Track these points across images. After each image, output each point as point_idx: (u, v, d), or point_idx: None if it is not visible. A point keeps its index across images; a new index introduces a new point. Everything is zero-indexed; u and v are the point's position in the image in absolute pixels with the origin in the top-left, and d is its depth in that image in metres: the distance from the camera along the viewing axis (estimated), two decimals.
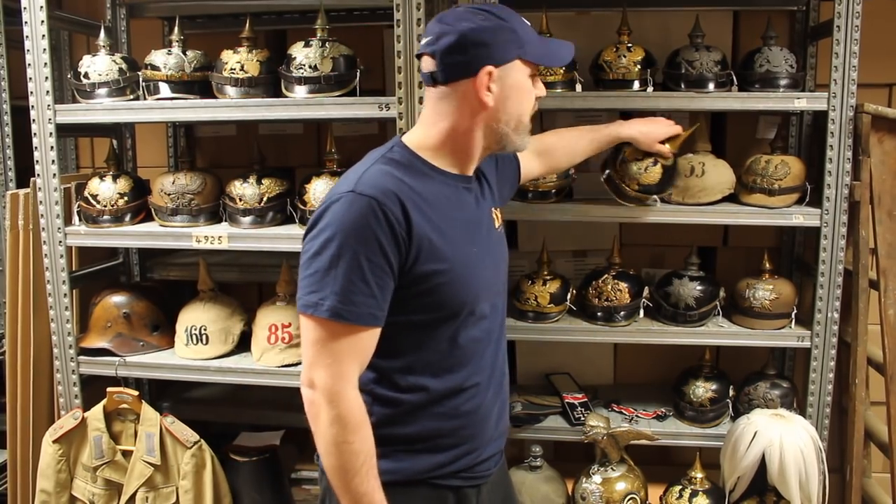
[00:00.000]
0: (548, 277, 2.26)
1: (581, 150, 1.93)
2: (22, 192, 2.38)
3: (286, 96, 2.08)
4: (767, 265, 2.21)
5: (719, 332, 2.19)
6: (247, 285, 2.67)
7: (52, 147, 2.16)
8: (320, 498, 1.47)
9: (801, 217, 2.09)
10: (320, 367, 1.26)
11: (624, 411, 2.32)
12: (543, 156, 1.83)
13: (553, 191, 2.18)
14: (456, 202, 1.39)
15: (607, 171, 2.11)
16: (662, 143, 2.02)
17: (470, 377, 1.41)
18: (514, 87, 1.35)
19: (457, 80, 1.34)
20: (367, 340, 1.29)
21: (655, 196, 2.07)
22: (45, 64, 2.11)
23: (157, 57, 2.16)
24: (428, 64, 1.36)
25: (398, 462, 1.37)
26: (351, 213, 1.24)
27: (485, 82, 1.32)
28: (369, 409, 1.32)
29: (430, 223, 1.30)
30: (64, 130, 2.22)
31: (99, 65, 2.18)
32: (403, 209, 1.27)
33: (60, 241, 2.20)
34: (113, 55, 2.21)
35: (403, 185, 1.30)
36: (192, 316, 2.27)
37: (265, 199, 2.18)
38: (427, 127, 1.40)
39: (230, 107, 2.10)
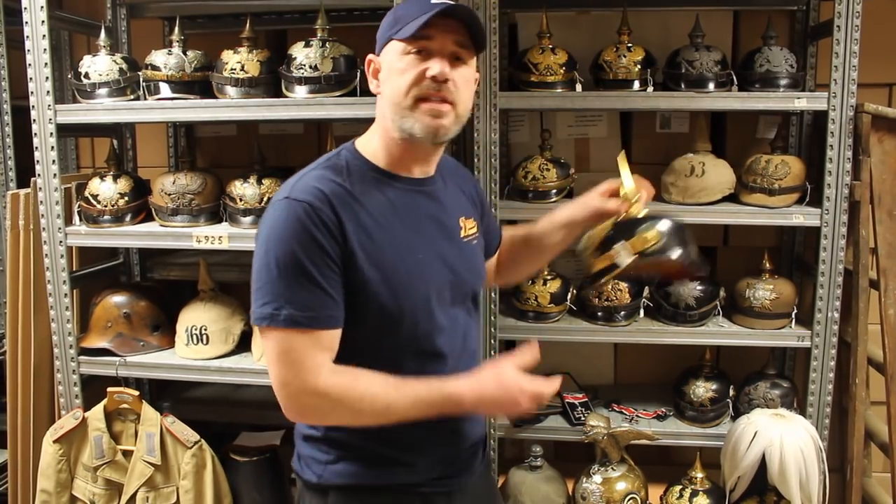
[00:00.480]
0: (548, 277, 2.26)
1: (523, 242, 1.66)
2: (22, 192, 2.37)
3: (286, 96, 2.08)
4: (767, 265, 2.21)
5: (719, 332, 2.19)
6: (247, 285, 2.64)
7: (52, 147, 2.16)
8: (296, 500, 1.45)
9: (802, 217, 2.09)
10: (291, 380, 1.24)
11: (624, 411, 2.32)
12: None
13: (553, 191, 2.18)
14: (403, 207, 1.33)
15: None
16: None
17: None
18: (388, 69, 1.31)
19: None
20: (329, 339, 1.26)
21: (619, 247, 1.42)
22: (46, 64, 2.11)
23: (158, 57, 2.16)
24: None
25: (361, 467, 1.34)
26: (288, 220, 1.23)
27: (369, 72, 1.36)
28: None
29: (364, 230, 1.26)
30: (64, 130, 2.22)
31: (99, 65, 2.18)
32: (335, 211, 1.24)
33: (61, 241, 2.20)
34: (113, 55, 2.21)
35: (340, 188, 1.27)
36: (193, 316, 2.27)
37: (265, 199, 2.17)
38: (372, 128, 1.38)
39: (230, 107, 2.10)
